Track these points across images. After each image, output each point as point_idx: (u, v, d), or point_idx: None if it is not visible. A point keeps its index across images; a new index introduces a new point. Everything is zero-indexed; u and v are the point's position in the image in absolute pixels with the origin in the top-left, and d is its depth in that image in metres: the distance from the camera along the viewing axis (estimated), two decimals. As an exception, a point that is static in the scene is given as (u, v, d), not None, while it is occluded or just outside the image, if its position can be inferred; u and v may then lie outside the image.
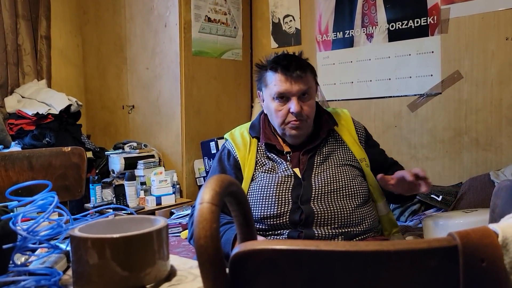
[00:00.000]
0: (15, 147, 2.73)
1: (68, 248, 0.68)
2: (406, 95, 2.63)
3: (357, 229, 1.45)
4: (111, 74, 3.18)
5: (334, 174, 1.47)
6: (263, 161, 1.54)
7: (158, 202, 2.53)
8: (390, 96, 2.69)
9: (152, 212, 2.47)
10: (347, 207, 1.44)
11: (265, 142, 1.56)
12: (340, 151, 1.54)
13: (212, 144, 2.68)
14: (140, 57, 2.98)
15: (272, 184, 1.47)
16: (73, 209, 2.67)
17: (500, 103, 2.33)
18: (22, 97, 2.97)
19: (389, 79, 2.68)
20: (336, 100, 2.92)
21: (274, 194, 1.45)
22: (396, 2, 2.61)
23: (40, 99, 2.90)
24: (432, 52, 2.51)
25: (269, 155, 1.55)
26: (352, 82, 2.83)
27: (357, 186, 1.48)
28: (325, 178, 1.46)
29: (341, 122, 1.58)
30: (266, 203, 1.46)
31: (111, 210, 2.43)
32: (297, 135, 1.53)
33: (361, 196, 1.49)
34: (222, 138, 2.70)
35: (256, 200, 1.49)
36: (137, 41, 2.99)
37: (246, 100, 3.23)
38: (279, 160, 1.52)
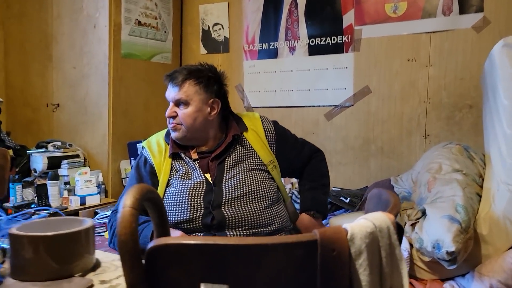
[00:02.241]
0: None
1: (5, 245, 0.76)
2: (323, 105, 2.87)
3: (267, 229, 1.61)
4: (35, 71, 3.11)
5: (243, 179, 1.59)
6: (177, 167, 1.64)
7: (82, 202, 2.54)
8: (309, 106, 2.92)
9: (76, 213, 2.48)
10: (256, 209, 1.59)
11: (171, 153, 1.65)
12: (248, 156, 1.66)
13: (139, 145, 2.74)
14: (67, 56, 2.95)
15: (185, 190, 1.57)
16: (-10, 208, 2.60)
17: (401, 117, 2.63)
18: None
19: (309, 89, 2.91)
20: (260, 107, 3.10)
21: (186, 200, 1.55)
22: (316, 20, 2.84)
23: (-45, 93, 2.78)
24: (346, 67, 2.77)
25: (185, 160, 1.67)
26: (276, 91, 3.03)
27: (265, 189, 1.62)
28: (235, 183, 1.58)
29: (251, 127, 1.70)
30: (180, 208, 1.57)
31: (32, 210, 2.41)
32: (176, 137, 1.63)
33: (269, 197, 1.63)
34: (149, 140, 2.78)
35: (170, 206, 1.59)
36: (64, 39, 2.96)
37: (174, 103, 3.30)
38: (192, 166, 1.64)
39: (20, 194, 2.51)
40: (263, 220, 1.59)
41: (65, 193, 2.56)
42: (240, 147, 1.66)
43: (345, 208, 2.34)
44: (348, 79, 2.77)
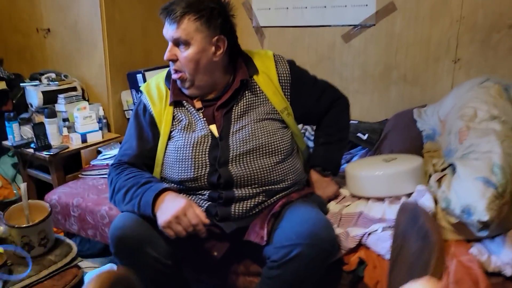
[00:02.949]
0: None
1: None
2: (340, 25, 2.56)
3: (279, 186, 1.48)
4: (19, -9, 2.80)
5: (252, 131, 1.44)
6: (180, 116, 1.48)
7: (84, 140, 2.41)
8: (325, 26, 2.61)
9: (77, 152, 2.37)
10: (267, 165, 1.44)
11: (172, 101, 1.48)
12: (259, 104, 1.49)
13: (139, 76, 2.53)
14: (52, -26, 2.62)
15: (188, 146, 1.42)
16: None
17: (429, 40, 2.34)
18: None
19: (325, 6, 2.58)
20: (270, 27, 2.79)
21: (190, 157, 1.42)
22: None
23: None
24: (369, -20, 2.41)
25: (187, 109, 1.49)
26: (287, 8, 2.70)
27: (277, 142, 1.47)
28: (244, 136, 1.42)
29: (262, 69, 1.51)
30: (183, 166, 1.43)
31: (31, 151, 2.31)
32: (186, 88, 1.46)
33: (282, 151, 1.48)
34: (151, 70, 2.57)
35: (173, 162, 1.45)
36: (47, -46, 2.61)
37: (176, 23, 3.01)
38: (197, 116, 1.47)
39: (18, 132, 2.38)
40: (275, 177, 1.46)
41: (65, 130, 2.42)
42: (249, 93, 1.48)
43: (362, 146, 2.17)
44: (370, -6, 2.42)
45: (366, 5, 2.44)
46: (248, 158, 1.43)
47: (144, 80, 2.50)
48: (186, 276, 1.47)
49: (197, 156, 1.43)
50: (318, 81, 1.68)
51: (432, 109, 2.06)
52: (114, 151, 2.29)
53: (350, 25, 2.52)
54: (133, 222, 1.32)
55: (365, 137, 2.15)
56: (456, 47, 2.27)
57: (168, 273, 1.35)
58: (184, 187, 1.46)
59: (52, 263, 1.18)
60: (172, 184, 1.47)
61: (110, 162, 2.20)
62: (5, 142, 2.47)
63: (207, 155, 1.42)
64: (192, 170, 1.43)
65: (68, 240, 1.28)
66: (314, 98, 1.60)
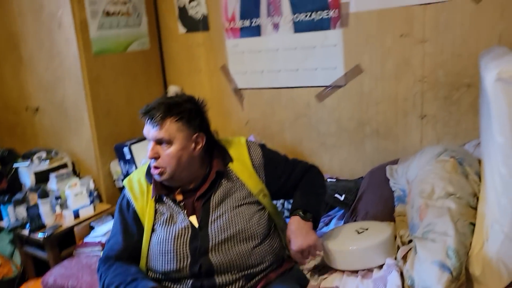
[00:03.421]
0: None
1: None
2: (313, 86, 2.71)
3: (258, 269, 1.58)
4: (7, 72, 2.94)
5: (230, 218, 1.54)
6: (162, 209, 1.58)
7: (76, 215, 2.52)
8: (299, 86, 2.75)
9: (71, 229, 2.47)
10: (245, 250, 1.54)
11: (154, 196, 1.58)
12: (235, 190, 1.59)
13: (126, 149, 2.65)
14: (37, 58, 2.76)
15: (170, 239, 1.52)
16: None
17: (396, 97, 2.48)
18: None
19: (297, 69, 2.72)
20: (248, 89, 2.94)
21: (172, 250, 1.51)
22: (299, -6, 2.58)
23: None
24: (335, 45, 2.56)
25: (167, 203, 1.59)
26: (262, 71, 2.85)
27: (254, 226, 1.57)
28: (222, 224, 1.52)
29: (236, 156, 1.62)
30: (166, 258, 1.53)
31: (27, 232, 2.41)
32: (161, 180, 1.55)
33: (259, 234, 1.58)
34: (136, 142, 2.69)
35: (156, 256, 1.55)
36: (31, 40, 2.75)
37: (159, 88, 3.16)
38: (176, 209, 1.57)
39: (13, 214, 2.49)
40: (254, 261, 1.56)
41: (58, 208, 2.54)
42: (226, 181, 1.59)
43: (339, 207, 2.28)
44: (338, 58, 2.57)
45: (335, 67, 2.58)
46: (226, 245, 1.53)
47: (131, 153, 2.62)
48: None
49: (178, 249, 1.52)
50: (289, 159, 1.79)
51: (401, 169, 2.18)
52: (106, 226, 2.40)
53: (322, 86, 2.66)
54: None
55: (342, 198, 2.26)
56: (422, 103, 2.41)
57: None
58: (168, 277, 1.57)
59: None
60: (158, 275, 1.57)
61: (102, 239, 2.31)
62: (1, 223, 2.58)
63: (187, 246, 1.52)
64: (175, 262, 1.53)
65: None
66: (287, 174, 1.71)
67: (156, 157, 1.51)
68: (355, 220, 2.09)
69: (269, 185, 1.68)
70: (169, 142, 1.48)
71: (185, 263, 1.52)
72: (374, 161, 2.58)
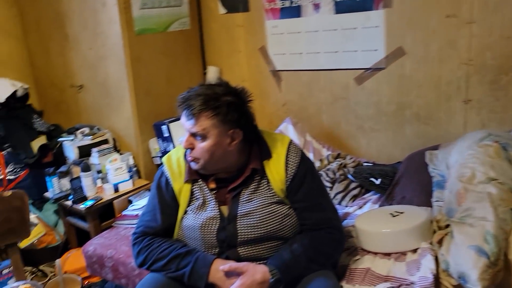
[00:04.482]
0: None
1: None
2: (352, 69, 2.66)
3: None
4: (54, 51, 3.06)
5: (261, 217, 1.49)
6: (197, 194, 1.57)
7: (116, 189, 2.61)
8: (338, 69, 2.71)
9: (110, 202, 2.56)
10: (276, 246, 1.51)
11: (188, 179, 1.56)
12: (266, 188, 1.53)
13: (164, 127, 2.71)
14: (82, 36, 2.85)
15: (198, 227, 1.52)
16: (34, 197, 2.75)
17: (439, 80, 2.39)
18: (-36, 84, 2.87)
19: (336, 51, 2.68)
20: (287, 71, 2.92)
21: (199, 237, 1.52)
22: (341, -26, 2.52)
23: (-17, 87, 2.82)
24: (377, 26, 2.49)
25: (201, 188, 1.57)
26: (301, 53, 2.82)
27: (287, 227, 1.51)
28: (251, 222, 1.48)
29: (274, 156, 1.55)
30: (194, 244, 1.54)
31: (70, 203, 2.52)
32: (195, 168, 1.53)
33: (291, 235, 1.52)
34: (175, 120, 2.74)
35: (185, 238, 1.57)
36: (76, 19, 2.84)
37: (198, 69, 3.19)
38: (209, 196, 1.56)
39: (57, 185, 2.61)
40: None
41: (99, 181, 2.63)
42: (259, 178, 1.54)
43: (374, 191, 2.25)
44: (379, 40, 2.50)
45: (376, 50, 2.52)
46: (256, 242, 1.50)
47: (169, 131, 2.68)
48: None
49: (205, 238, 1.52)
50: (323, 196, 1.59)
51: (442, 155, 2.11)
52: (143, 201, 2.47)
53: (362, 68, 2.61)
54: None
55: (377, 182, 2.23)
56: (466, 87, 2.32)
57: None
58: None
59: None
60: None
61: (139, 213, 2.38)
62: (46, 194, 2.71)
63: (215, 236, 1.51)
64: (203, 250, 1.53)
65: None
66: (302, 208, 1.53)
67: (190, 148, 1.49)
68: (390, 204, 2.06)
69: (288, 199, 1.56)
70: (204, 137, 1.44)
71: (212, 252, 1.52)
72: (413, 146, 2.52)
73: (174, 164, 1.62)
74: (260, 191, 1.53)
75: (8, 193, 1.56)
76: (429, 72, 2.41)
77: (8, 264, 2.24)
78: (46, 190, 2.71)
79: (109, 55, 2.74)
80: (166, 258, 1.49)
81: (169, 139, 2.70)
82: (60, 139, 2.84)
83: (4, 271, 2.21)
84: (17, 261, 1.58)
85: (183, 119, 1.48)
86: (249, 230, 1.49)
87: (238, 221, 1.50)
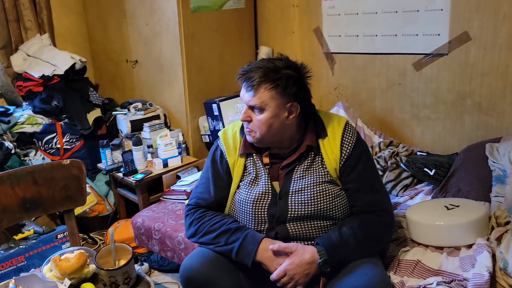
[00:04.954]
0: (26, 109, 2.85)
1: None
2: (411, 53, 2.54)
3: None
4: (112, 26, 3.13)
5: (313, 195, 1.48)
6: (250, 168, 1.58)
7: (165, 164, 2.66)
8: (396, 53, 2.60)
9: (159, 177, 2.62)
10: (325, 226, 1.50)
11: (242, 153, 1.58)
12: (320, 166, 1.52)
13: (214, 106, 2.72)
14: (139, 12, 2.89)
15: (250, 201, 1.53)
16: (87, 167, 2.86)
17: (506, 70, 2.24)
18: (27, 55, 2.99)
19: (395, 35, 2.57)
20: (341, 53, 2.84)
21: (250, 212, 1.52)
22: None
23: (44, 58, 2.93)
24: (441, 9, 2.36)
25: (255, 162, 1.60)
26: (358, 36, 2.73)
27: (336, 208, 1.49)
28: (303, 199, 1.48)
29: (330, 135, 1.53)
30: (245, 218, 1.55)
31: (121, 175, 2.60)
32: (250, 141, 1.54)
33: (341, 216, 1.51)
34: (225, 99, 2.75)
35: (236, 212, 1.58)
36: (134, -6, 2.88)
37: (250, 49, 3.17)
38: (262, 170, 1.56)
39: (110, 157, 2.70)
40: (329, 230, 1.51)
41: (149, 156, 2.70)
42: (313, 155, 1.53)
43: (427, 182, 2.16)
44: (443, 24, 2.37)
45: (438, 34, 2.39)
46: (306, 219, 1.49)
47: (219, 110, 2.68)
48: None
49: (256, 213, 1.52)
50: (376, 180, 1.56)
51: (504, 148, 2.00)
52: (191, 177, 2.51)
53: (421, 54, 2.49)
54: (201, 264, 1.48)
55: (431, 173, 2.14)
56: (537, 78, 2.16)
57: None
58: None
59: (133, 300, 1.38)
60: None
61: (187, 189, 2.42)
62: (99, 165, 2.81)
63: (266, 211, 1.51)
64: (253, 224, 1.53)
65: (147, 278, 1.48)
66: (355, 189, 1.51)
67: (248, 121, 1.50)
68: (444, 197, 1.97)
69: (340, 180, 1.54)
70: (261, 109, 1.44)
71: (262, 227, 1.53)
72: (471, 137, 2.40)
73: (230, 138, 1.64)
74: (314, 168, 1.52)
75: (67, 161, 1.62)
76: (496, 60, 2.26)
77: (63, 229, 2.35)
78: (99, 161, 2.81)
79: (164, 31, 2.77)
80: (216, 232, 1.50)
81: (218, 118, 2.71)
82: (114, 113, 2.93)
83: (59, 236, 2.32)
84: (73, 227, 1.64)
85: (242, 91, 1.49)
86: (300, 207, 1.48)
87: (290, 197, 1.49)
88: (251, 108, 1.47)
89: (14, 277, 1.40)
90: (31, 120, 2.77)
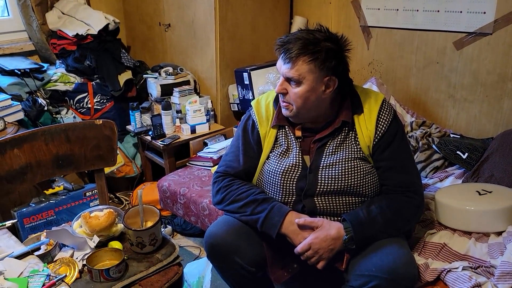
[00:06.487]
0: (60, 67, 2.88)
1: None
2: (453, 31, 2.44)
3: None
4: (146, -13, 3.10)
5: (343, 171, 1.46)
6: (281, 140, 1.58)
7: (193, 130, 2.67)
8: (436, 30, 2.50)
9: (186, 142, 2.64)
10: (353, 202, 1.48)
11: (274, 125, 1.57)
12: (352, 142, 1.50)
13: (245, 75, 2.69)
14: (175, -26, 2.85)
15: (279, 172, 1.52)
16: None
17: (554, 53, 2.13)
18: (62, 13, 3.00)
19: (438, 11, 2.46)
20: (378, 27, 2.75)
21: (279, 183, 1.52)
22: None
23: (79, 17, 2.93)
24: (490, -15, 2.24)
25: (286, 135, 1.58)
26: (398, 10, 2.62)
27: (366, 185, 1.47)
28: (333, 174, 1.46)
29: (365, 111, 1.50)
30: (273, 190, 1.55)
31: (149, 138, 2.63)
32: (286, 115, 1.51)
33: (370, 194, 1.49)
34: (256, 69, 2.71)
35: (265, 183, 1.58)
36: (170, -44, 2.83)
37: (284, 18, 3.10)
38: (293, 143, 1.55)
39: (139, 120, 2.72)
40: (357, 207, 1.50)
41: (178, 121, 2.71)
42: (346, 131, 1.50)
43: (459, 165, 2.10)
44: (490, 1, 2.25)
45: (484, 12, 2.28)
46: (334, 195, 1.48)
47: (250, 79, 2.66)
48: (269, 282, 1.62)
49: (285, 184, 1.51)
50: (409, 160, 1.53)
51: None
52: (218, 145, 2.51)
53: (464, 32, 2.39)
54: (225, 232, 1.50)
55: (464, 156, 2.08)
56: None
57: (253, 279, 1.52)
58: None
59: (158, 261, 1.41)
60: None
61: (213, 156, 2.43)
62: (128, 127, 2.84)
63: (294, 184, 1.50)
64: (280, 196, 1.53)
65: (172, 241, 1.51)
66: (387, 167, 1.48)
67: (284, 93, 1.46)
68: (476, 181, 1.93)
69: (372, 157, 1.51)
70: (298, 82, 1.41)
71: (289, 199, 1.52)
72: (510, 122, 2.32)
73: (263, 108, 1.62)
74: (346, 144, 1.50)
75: (99, 121, 1.64)
76: (544, 43, 2.15)
77: (91, 187, 2.41)
78: (128, 123, 2.84)
79: (199, -5, 2.72)
80: (243, 201, 1.51)
81: (248, 87, 2.69)
82: (144, 76, 2.93)
83: (88, 193, 2.38)
84: (102, 186, 1.68)
85: (279, 62, 1.45)
86: (330, 182, 1.46)
87: (320, 172, 1.48)
88: (288, 80, 1.44)
89: (45, 230, 1.45)
90: (64, 78, 2.80)
